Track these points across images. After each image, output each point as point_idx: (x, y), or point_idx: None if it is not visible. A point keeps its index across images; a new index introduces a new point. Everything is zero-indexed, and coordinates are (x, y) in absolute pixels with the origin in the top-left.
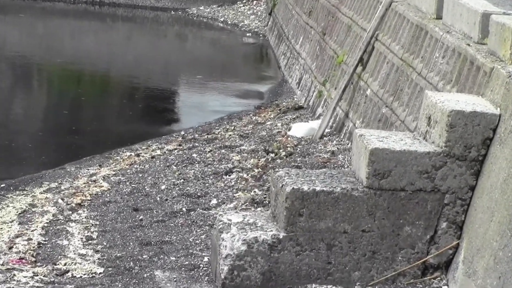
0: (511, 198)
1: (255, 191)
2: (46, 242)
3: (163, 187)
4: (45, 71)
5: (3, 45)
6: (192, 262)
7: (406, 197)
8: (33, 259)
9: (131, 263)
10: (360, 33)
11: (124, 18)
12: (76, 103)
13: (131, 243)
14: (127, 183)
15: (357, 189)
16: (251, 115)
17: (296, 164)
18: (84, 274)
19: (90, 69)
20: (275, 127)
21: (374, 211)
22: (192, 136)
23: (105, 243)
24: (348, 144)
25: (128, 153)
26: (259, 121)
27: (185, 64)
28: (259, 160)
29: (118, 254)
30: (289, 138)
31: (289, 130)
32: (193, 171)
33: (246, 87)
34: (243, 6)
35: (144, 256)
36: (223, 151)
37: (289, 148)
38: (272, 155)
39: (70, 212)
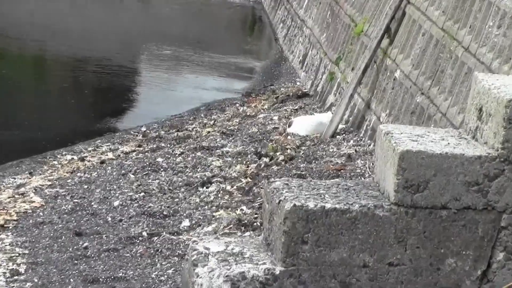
0: None
1: (242, 209)
2: None
3: (116, 203)
4: None
5: None
6: None
7: (449, 217)
8: None
9: None
10: None
11: None
12: None
13: (71, 280)
14: (68, 198)
15: (382, 206)
16: (237, 105)
17: (298, 172)
18: None
19: (19, 44)
20: (270, 122)
21: (405, 237)
22: (157, 134)
23: (36, 280)
24: (369, 145)
25: (68, 157)
26: (248, 114)
27: (148, 35)
28: (248, 167)
29: None
30: (289, 137)
31: (289, 126)
32: (157, 181)
33: (231, 66)
34: None
35: None
36: (198, 154)
37: (289, 151)
38: (266, 159)
39: None
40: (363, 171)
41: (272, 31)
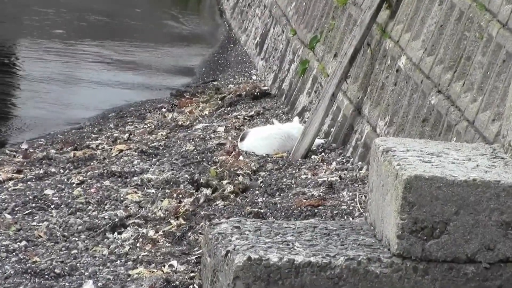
0: None
1: (171, 265)
2: None
3: None
4: None
5: None
6: None
7: (477, 275)
8: None
9: None
10: None
11: None
12: None
13: None
14: None
15: (379, 259)
16: (164, 109)
17: (255, 209)
18: None
19: None
20: (212, 135)
21: None
22: (44, 154)
23: None
24: (360, 169)
25: None
26: (180, 123)
27: (29, 14)
28: (180, 202)
29: None
30: (241, 158)
31: (241, 140)
32: (46, 223)
33: (153, 53)
34: None
35: None
36: (107, 183)
37: (241, 178)
38: (207, 191)
39: None
40: (351, 208)
41: (216, 0)
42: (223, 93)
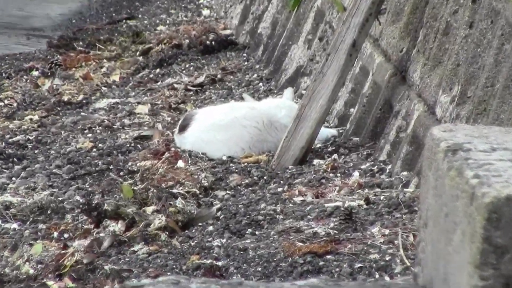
0: None
1: None
2: None
3: None
4: None
5: None
6: None
7: None
8: None
9: None
10: None
11: None
12: None
13: None
14: None
15: None
16: (35, 72)
17: (209, 260)
18: None
19: None
20: (126, 119)
21: None
22: None
23: None
24: (405, 182)
25: None
26: (66, 97)
27: None
28: (64, 247)
29: None
30: (181, 163)
31: (181, 130)
32: None
33: None
34: None
35: None
36: None
37: (180, 201)
38: (117, 226)
39: None
40: (387, 258)
41: None
42: (146, 41)
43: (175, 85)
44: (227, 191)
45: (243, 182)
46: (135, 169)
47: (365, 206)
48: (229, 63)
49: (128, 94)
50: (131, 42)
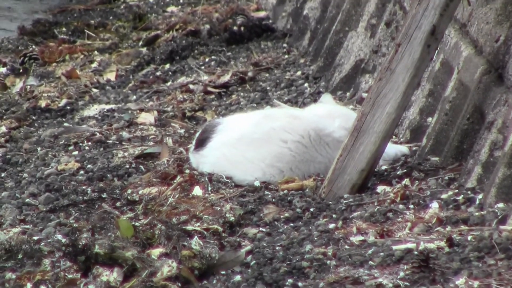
0: None
1: None
2: None
3: None
4: None
5: None
6: None
7: None
8: None
9: None
10: None
11: None
12: None
13: None
14: None
15: None
16: (3, 69)
17: None
18: None
19: None
20: (125, 132)
21: None
22: None
23: None
24: (503, 217)
25: None
26: (43, 102)
27: None
28: None
29: None
30: (197, 190)
31: (198, 146)
32: None
33: None
34: None
35: None
36: None
37: (197, 242)
38: (111, 275)
39: None
40: None
41: None
42: (152, 27)
43: (191, 86)
44: (261, 228)
45: (281, 216)
46: (137, 199)
47: (447, 249)
48: (264, 56)
49: (128, 98)
50: (131, 28)
